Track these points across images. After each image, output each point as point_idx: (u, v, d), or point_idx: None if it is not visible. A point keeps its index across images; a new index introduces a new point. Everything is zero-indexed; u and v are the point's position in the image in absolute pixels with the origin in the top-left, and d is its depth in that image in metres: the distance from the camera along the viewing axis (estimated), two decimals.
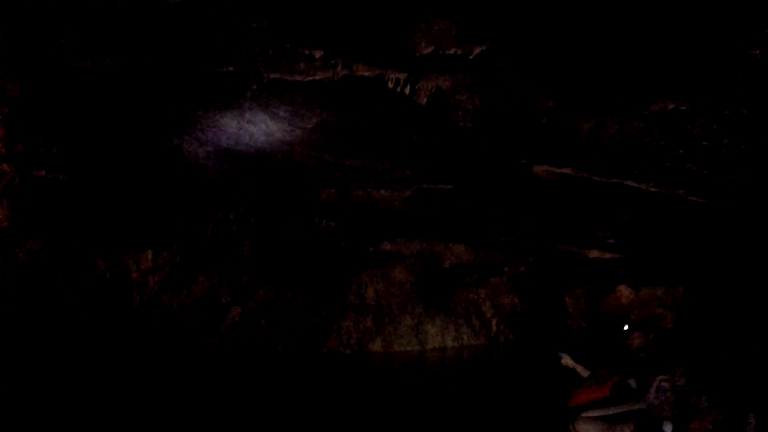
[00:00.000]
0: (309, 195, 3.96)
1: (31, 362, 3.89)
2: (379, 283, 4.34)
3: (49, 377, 3.72)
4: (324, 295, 4.33)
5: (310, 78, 3.09)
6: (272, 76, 3.10)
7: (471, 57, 2.82)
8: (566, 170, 3.50)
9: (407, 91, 3.07)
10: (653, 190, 3.71)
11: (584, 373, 2.68)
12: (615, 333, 3.87)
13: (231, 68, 3.07)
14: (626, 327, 3.39)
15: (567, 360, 2.80)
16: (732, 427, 2.21)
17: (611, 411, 2.36)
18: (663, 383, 2.36)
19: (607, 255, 4.47)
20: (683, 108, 3.03)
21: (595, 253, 4.43)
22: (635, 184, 3.64)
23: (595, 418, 2.36)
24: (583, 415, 2.39)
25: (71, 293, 4.21)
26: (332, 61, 2.96)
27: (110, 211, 4.27)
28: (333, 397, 3.89)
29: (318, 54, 2.93)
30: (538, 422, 2.94)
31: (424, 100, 3.11)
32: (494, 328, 4.39)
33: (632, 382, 2.60)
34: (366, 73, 3.00)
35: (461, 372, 4.18)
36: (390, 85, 3.04)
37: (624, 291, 4.48)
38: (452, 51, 2.80)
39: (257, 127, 3.65)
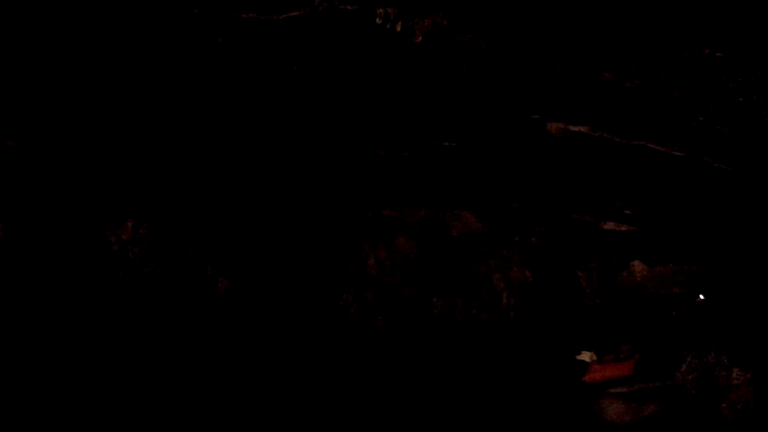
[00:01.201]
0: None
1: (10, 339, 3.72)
2: (381, 252, 4.14)
3: (32, 352, 3.58)
4: (321, 266, 4.14)
5: (286, 15, 2.78)
6: (245, 15, 2.83)
7: None
8: (583, 128, 3.27)
9: (398, 28, 2.72)
10: (677, 154, 3.48)
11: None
12: (631, 309, 3.74)
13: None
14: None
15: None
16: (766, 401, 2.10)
17: (637, 387, 2.27)
18: (693, 359, 2.23)
19: (623, 227, 4.24)
20: (718, 55, 2.77)
21: (610, 225, 4.20)
22: (658, 148, 3.41)
23: (621, 395, 2.26)
24: (610, 391, 2.29)
25: (51, 267, 4.02)
26: None
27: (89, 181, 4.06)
28: (330, 372, 3.76)
29: None
30: (553, 399, 2.81)
31: (420, 39, 2.79)
32: (504, 301, 4.19)
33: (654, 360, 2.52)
34: (349, 6, 2.70)
35: (470, 348, 4.03)
36: (378, 20, 2.74)
37: (638, 266, 4.27)
38: None
39: None
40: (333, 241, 4.26)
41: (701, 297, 4.16)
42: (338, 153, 3.66)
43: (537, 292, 4.15)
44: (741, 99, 2.84)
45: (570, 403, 2.56)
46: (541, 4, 2.58)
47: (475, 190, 3.82)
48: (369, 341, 4.06)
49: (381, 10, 2.70)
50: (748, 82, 2.74)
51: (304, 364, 3.83)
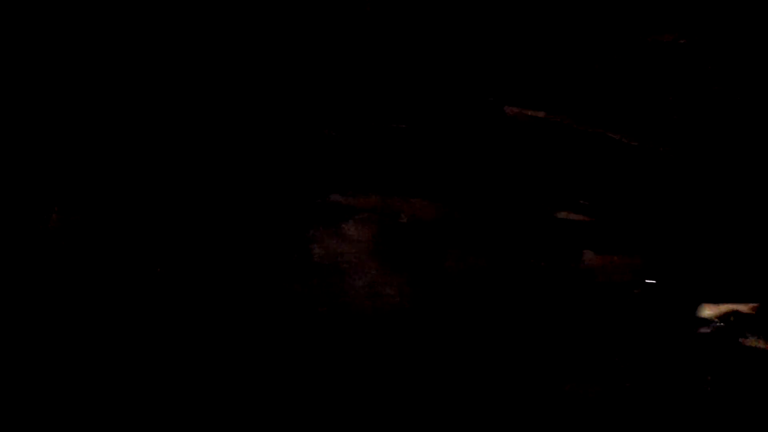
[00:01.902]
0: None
1: None
2: (329, 239, 3.96)
3: None
4: (264, 253, 3.93)
5: None
6: None
7: None
8: (540, 113, 3.17)
9: None
10: (634, 144, 3.44)
11: None
12: (583, 296, 3.69)
13: None
14: None
15: None
16: None
17: None
18: None
19: (577, 217, 4.21)
20: (681, 42, 2.71)
21: (564, 215, 4.16)
22: (618, 137, 3.36)
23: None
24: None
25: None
26: None
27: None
28: (270, 363, 3.59)
29: None
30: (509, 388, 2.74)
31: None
32: (457, 290, 4.08)
33: None
34: None
35: (421, 336, 3.91)
36: None
37: (589, 255, 4.25)
38: None
39: None
40: (279, 229, 4.05)
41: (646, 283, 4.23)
42: (282, 132, 3.47)
43: (491, 280, 4.05)
44: (698, 90, 2.78)
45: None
46: None
47: (426, 174, 3.69)
48: (312, 330, 3.89)
49: None
50: (706, 71, 2.68)
51: (245, 354, 3.64)
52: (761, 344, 2.21)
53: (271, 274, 3.94)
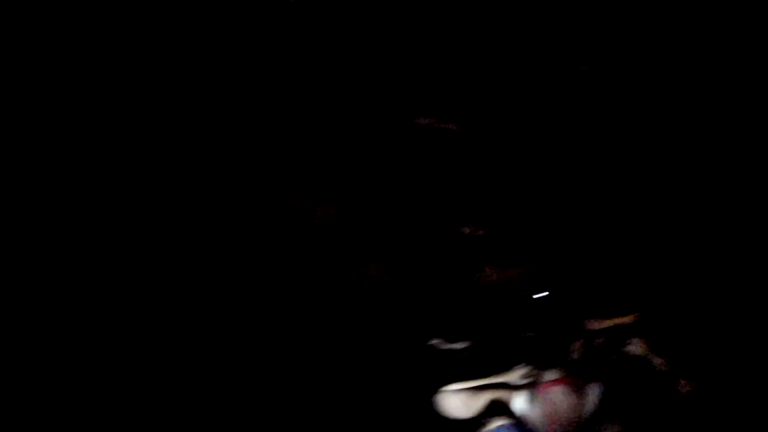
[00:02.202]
0: None
1: None
2: (236, 235, 3.83)
3: None
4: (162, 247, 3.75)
5: None
6: None
7: None
8: (453, 125, 3.24)
9: None
10: (537, 164, 3.59)
11: None
12: (485, 307, 3.77)
13: None
14: None
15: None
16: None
17: (472, 384, 2.33)
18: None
19: (480, 231, 4.32)
20: (583, 68, 2.90)
21: (467, 230, 4.25)
22: (525, 155, 3.50)
23: (457, 391, 2.31)
24: (445, 389, 2.34)
25: None
26: None
27: None
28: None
29: None
30: (404, 399, 2.74)
31: None
32: (359, 299, 4.05)
33: None
34: None
35: (320, 347, 3.85)
36: None
37: (492, 270, 4.37)
38: None
39: None
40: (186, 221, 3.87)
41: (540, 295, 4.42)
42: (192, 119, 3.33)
43: (393, 291, 4.07)
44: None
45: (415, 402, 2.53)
46: None
47: (337, 176, 3.65)
48: (200, 332, 3.75)
49: None
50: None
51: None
52: (641, 350, 2.36)
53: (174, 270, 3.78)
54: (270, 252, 3.90)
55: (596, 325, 2.66)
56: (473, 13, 2.73)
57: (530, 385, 2.23)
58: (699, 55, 2.90)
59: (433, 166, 3.59)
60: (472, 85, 3.12)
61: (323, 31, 2.97)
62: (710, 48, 2.86)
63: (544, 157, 3.57)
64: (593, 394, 2.14)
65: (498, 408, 2.18)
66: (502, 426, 2.18)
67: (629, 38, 2.82)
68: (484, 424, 2.22)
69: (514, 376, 2.35)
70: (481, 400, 2.20)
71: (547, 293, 4.50)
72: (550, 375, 2.23)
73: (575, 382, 2.20)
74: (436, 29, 2.83)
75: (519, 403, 2.18)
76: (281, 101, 3.29)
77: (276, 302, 3.96)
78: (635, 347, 2.38)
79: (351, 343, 3.96)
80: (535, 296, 4.51)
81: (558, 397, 2.16)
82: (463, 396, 2.24)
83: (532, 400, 2.18)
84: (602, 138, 3.47)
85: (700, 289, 3.96)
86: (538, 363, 2.25)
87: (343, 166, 3.70)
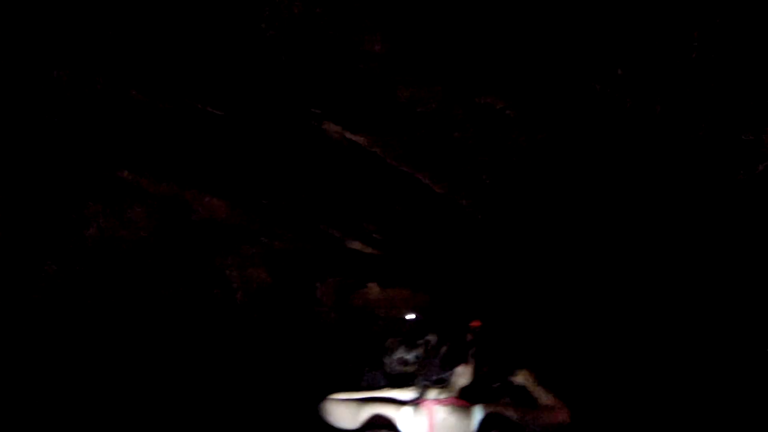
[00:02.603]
0: None
1: None
2: (109, 219, 3.48)
3: None
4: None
5: None
6: None
7: None
8: (361, 139, 3.20)
9: None
10: (439, 192, 3.63)
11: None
12: (366, 323, 3.74)
13: None
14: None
15: None
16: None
17: (359, 395, 2.27)
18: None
19: (368, 249, 4.29)
20: (500, 106, 2.98)
21: (356, 245, 4.21)
22: (427, 181, 3.52)
23: (342, 401, 2.23)
24: (330, 397, 2.24)
25: None
26: None
27: None
28: None
29: None
30: (289, 403, 2.63)
31: None
32: (239, 300, 3.84)
33: None
34: None
35: (198, 348, 3.60)
36: None
37: (374, 288, 4.36)
38: None
39: None
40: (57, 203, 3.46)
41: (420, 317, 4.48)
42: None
43: (275, 297, 3.91)
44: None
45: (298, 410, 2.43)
46: None
47: (227, 172, 3.44)
48: (74, 323, 3.39)
49: None
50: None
51: None
52: (525, 381, 2.41)
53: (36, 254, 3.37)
54: (146, 249, 3.60)
55: (480, 352, 2.67)
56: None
57: (416, 402, 2.20)
58: None
59: (335, 177, 3.51)
60: (384, 101, 3.11)
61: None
62: None
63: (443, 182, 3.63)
64: (476, 416, 2.15)
65: (383, 421, 2.12)
66: None
67: None
68: None
69: (400, 392, 2.32)
70: (367, 412, 2.13)
71: (419, 316, 4.59)
72: (436, 394, 2.22)
73: (459, 403, 2.20)
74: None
75: (403, 418, 2.14)
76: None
77: (151, 301, 3.65)
78: (520, 378, 2.41)
79: (231, 345, 3.75)
80: (406, 317, 4.58)
81: (442, 416, 2.15)
82: (349, 406, 2.17)
83: (417, 416, 2.15)
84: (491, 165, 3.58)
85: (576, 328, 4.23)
86: (425, 382, 2.22)
87: (237, 160, 3.49)
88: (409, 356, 2.32)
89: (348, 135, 3.20)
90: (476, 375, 2.42)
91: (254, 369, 3.34)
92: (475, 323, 2.63)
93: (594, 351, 3.94)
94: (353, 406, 2.15)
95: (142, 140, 3.35)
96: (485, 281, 4.72)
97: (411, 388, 2.30)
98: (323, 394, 2.17)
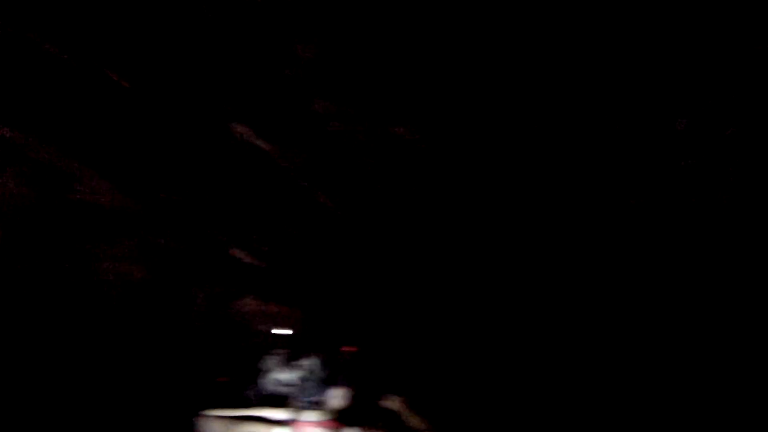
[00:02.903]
0: None
1: None
2: None
3: None
4: None
5: None
6: None
7: None
8: (266, 145, 3.11)
9: None
10: (334, 211, 3.61)
11: None
12: (241, 336, 3.61)
13: None
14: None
15: None
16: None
17: (233, 413, 2.25)
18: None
19: (251, 259, 4.15)
20: (409, 138, 3.06)
21: (240, 254, 4.05)
22: (323, 199, 3.48)
23: (217, 417, 2.19)
24: (206, 413, 2.18)
25: None
26: None
27: None
28: None
29: None
30: (162, 416, 2.43)
31: None
32: (113, 294, 3.49)
33: None
34: None
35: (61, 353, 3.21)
36: None
37: (251, 300, 4.21)
38: None
39: None
40: None
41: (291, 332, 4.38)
42: None
43: (150, 298, 3.62)
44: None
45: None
46: None
47: (120, 153, 3.15)
48: None
49: None
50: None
51: None
52: (397, 406, 2.46)
53: None
54: (16, 219, 3.20)
55: (355, 376, 2.70)
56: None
57: (290, 423, 2.17)
58: None
59: (233, 181, 3.38)
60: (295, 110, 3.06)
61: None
62: None
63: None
64: None
65: None
66: None
67: None
68: None
69: (274, 412, 2.28)
70: (240, 430, 2.05)
71: (292, 333, 4.49)
72: (310, 416, 2.20)
73: (333, 425, 2.20)
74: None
75: None
76: None
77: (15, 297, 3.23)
78: (392, 403, 2.50)
79: (95, 346, 3.38)
80: (280, 332, 4.47)
81: None
82: (222, 422, 2.08)
83: None
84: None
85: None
86: (300, 403, 2.20)
87: (134, 141, 3.21)
88: (287, 377, 2.28)
89: (254, 139, 3.10)
90: (350, 399, 2.45)
91: (122, 374, 3.06)
92: (350, 348, 2.66)
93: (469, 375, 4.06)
94: (227, 423, 2.08)
95: (35, 98, 3.02)
96: (361, 305, 4.73)
97: (285, 408, 2.28)
98: (197, 409, 2.07)
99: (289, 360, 2.35)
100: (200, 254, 3.92)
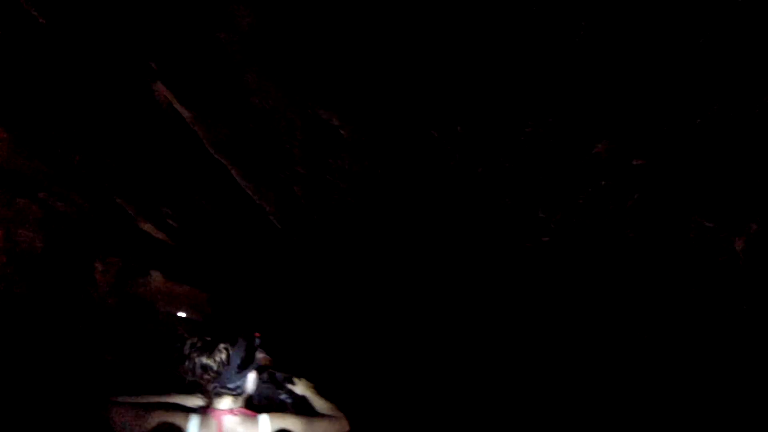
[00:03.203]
0: None
1: None
2: None
3: None
4: None
5: None
6: None
7: None
8: (186, 112, 2.90)
9: None
10: (247, 192, 3.45)
11: None
12: (145, 317, 3.43)
13: None
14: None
15: None
16: None
17: (144, 399, 2.11)
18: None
19: (160, 235, 3.91)
20: (335, 123, 2.99)
21: (148, 227, 3.81)
22: (238, 179, 3.32)
23: (127, 405, 2.03)
24: (115, 399, 2.02)
25: None
26: None
27: None
28: None
29: None
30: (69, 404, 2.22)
31: None
32: (6, 264, 3.13)
33: None
34: None
35: None
36: None
37: (157, 277, 3.97)
38: None
39: None
40: None
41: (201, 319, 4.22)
42: None
43: (46, 268, 3.31)
44: None
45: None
46: None
47: (20, 100, 2.82)
48: None
49: None
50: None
51: None
52: (305, 390, 2.46)
53: None
54: None
55: (264, 361, 2.64)
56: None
57: (205, 411, 2.06)
58: None
59: (147, 147, 3.16)
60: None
61: None
62: None
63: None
64: (263, 425, 2.10)
65: (169, 429, 1.92)
66: None
67: None
68: None
69: (188, 399, 2.15)
70: (153, 419, 1.92)
71: (196, 316, 4.34)
72: (225, 403, 2.11)
73: (248, 413, 2.13)
74: None
75: (191, 426, 1.97)
76: None
77: None
78: (301, 388, 2.50)
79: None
80: (184, 315, 4.28)
81: (231, 425, 2.05)
82: (134, 411, 1.93)
83: (206, 425, 2.01)
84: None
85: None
86: (215, 390, 2.10)
87: (38, 85, 2.91)
88: (201, 362, 2.16)
89: (175, 104, 2.90)
90: (261, 385, 2.43)
91: (15, 355, 2.77)
92: (257, 333, 2.61)
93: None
94: (139, 411, 1.92)
95: None
96: (271, 290, 4.63)
97: (199, 395, 2.16)
98: (103, 395, 1.90)
99: (203, 344, 2.22)
100: (105, 225, 3.64)
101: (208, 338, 2.13)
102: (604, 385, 3.34)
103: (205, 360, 2.08)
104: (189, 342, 2.08)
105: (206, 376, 2.04)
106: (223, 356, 2.09)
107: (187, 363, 2.04)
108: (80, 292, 3.31)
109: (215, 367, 2.01)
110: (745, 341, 2.86)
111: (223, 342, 2.15)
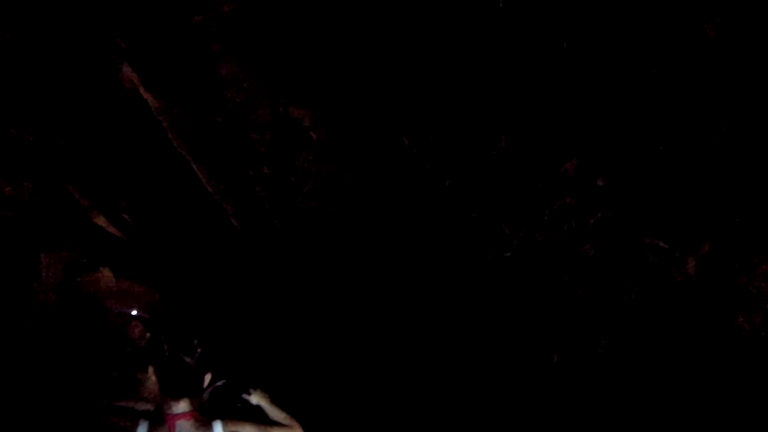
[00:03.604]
0: None
1: None
2: None
3: None
4: None
5: None
6: None
7: None
8: (154, 102, 2.79)
9: None
10: (208, 190, 3.35)
11: None
12: (93, 315, 3.31)
13: None
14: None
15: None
16: None
17: (88, 402, 2.02)
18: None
19: (112, 229, 3.74)
20: (306, 124, 2.93)
21: (101, 221, 3.64)
22: (200, 175, 3.21)
23: (76, 407, 1.95)
24: (64, 401, 1.94)
25: None
26: None
27: None
28: None
29: None
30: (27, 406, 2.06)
31: None
32: None
33: None
34: None
35: None
36: None
37: (107, 274, 3.79)
38: None
39: None
40: None
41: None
42: None
43: None
44: None
45: None
46: None
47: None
48: None
49: None
50: None
51: None
52: (260, 400, 2.40)
53: None
54: None
55: (215, 372, 2.57)
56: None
57: (156, 415, 1.97)
58: None
59: (108, 135, 3.01)
60: None
61: None
62: None
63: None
64: (217, 430, 2.02)
65: None
66: None
67: None
68: None
69: (139, 403, 2.05)
70: (105, 422, 1.81)
71: (145, 315, 4.18)
72: (178, 408, 2.02)
73: (200, 417, 2.04)
74: None
75: (144, 430, 1.88)
76: None
77: None
78: (256, 397, 2.43)
79: None
80: (133, 313, 4.12)
81: (183, 429, 1.96)
82: (86, 413, 1.82)
83: (159, 429, 1.91)
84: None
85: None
86: (167, 394, 2.01)
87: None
88: (154, 364, 2.06)
89: (141, 90, 2.77)
90: (216, 391, 2.35)
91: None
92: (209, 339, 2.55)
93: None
94: (88, 413, 1.82)
95: None
96: (224, 294, 4.52)
97: (151, 399, 2.06)
98: (51, 397, 1.79)
99: (156, 347, 2.13)
100: (55, 215, 3.46)
101: (155, 340, 2.04)
102: (567, 391, 3.37)
103: (149, 362, 1.99)
104: (135, 344, 1.99)
105: (151, 378, 1.95)
106: (171, 360, 2.00)
107: (132, 364, 1.95)
108: (23, 286, 3.12)
109: (161, 370, 1.92)
110: (698, 358, 2.92)
111: (176, 345, 2.06)
